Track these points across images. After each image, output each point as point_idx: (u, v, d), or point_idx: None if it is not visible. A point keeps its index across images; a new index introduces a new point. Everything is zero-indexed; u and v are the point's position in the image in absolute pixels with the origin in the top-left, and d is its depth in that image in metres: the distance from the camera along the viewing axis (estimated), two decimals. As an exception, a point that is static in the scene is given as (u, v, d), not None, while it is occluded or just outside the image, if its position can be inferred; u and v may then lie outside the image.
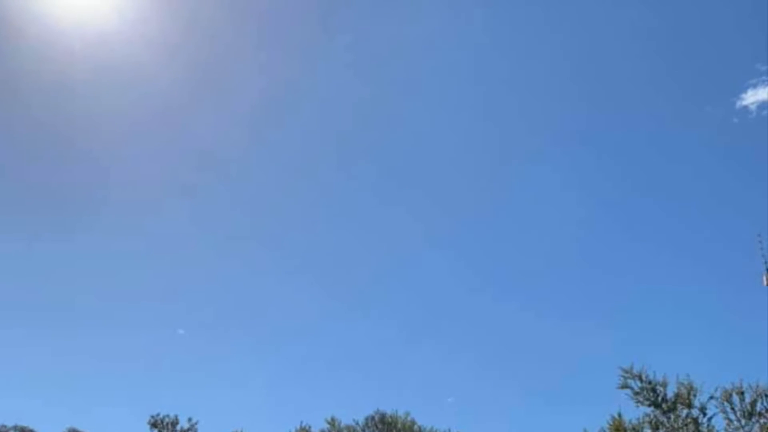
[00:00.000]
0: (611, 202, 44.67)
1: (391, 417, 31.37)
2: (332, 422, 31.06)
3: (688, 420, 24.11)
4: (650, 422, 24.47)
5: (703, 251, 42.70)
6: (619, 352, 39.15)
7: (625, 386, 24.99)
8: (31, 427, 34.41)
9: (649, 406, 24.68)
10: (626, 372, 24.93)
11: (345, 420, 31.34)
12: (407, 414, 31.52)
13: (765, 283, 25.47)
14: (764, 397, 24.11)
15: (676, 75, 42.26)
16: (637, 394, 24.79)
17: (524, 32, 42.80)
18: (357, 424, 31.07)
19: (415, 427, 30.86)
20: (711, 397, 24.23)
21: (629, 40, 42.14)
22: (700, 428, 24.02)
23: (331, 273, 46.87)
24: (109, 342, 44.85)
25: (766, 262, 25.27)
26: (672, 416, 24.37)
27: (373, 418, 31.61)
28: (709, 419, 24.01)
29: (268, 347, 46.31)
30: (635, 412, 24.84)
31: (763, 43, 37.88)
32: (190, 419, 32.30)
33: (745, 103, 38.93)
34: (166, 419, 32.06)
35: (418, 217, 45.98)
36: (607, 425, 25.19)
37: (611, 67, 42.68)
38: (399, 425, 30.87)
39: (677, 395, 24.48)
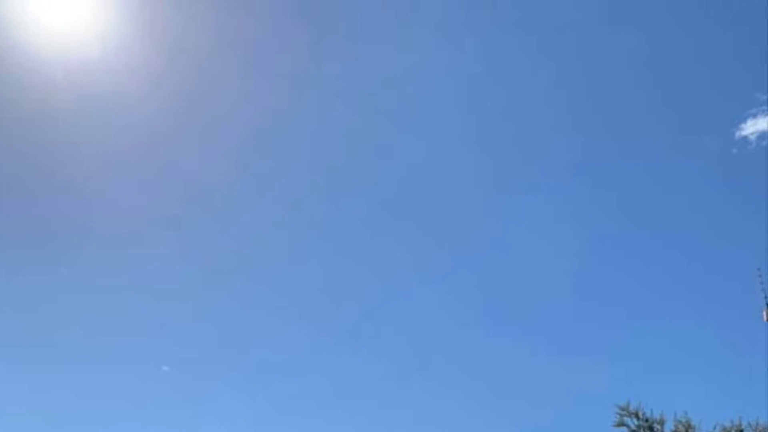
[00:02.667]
0: (607, 235, 43.95)
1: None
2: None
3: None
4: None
5: (701, 285, 41.92)
6: (615, 388, 38.23)
7: (621, 424, 24.38)
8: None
9: (646, 444, 24.13)
10: (622, 409, 24.32)
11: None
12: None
13: (765, 318, 25.08)
14: (765, 436, 23.52)
15: (673, 105, 41.71)
16: (633, 432, 24.32)
17: (517, 61, 42.28)
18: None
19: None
20: (710, 436, 23.92)
21: (625, 70, 41.64)
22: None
23: (320, 308, 45.99)
24: (91, 378, 44.00)
25: (766, 297, 25.00)
26: (670, 455, 23.84)
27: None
28: (708, 458, 23.66)
29: (255, 384, 45.36)
30: (632, 451, 24.53)
31: (762, 71, 37.36)
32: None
33: (744, 133, 38.29)
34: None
35: (409, 251, 45.15)
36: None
37: (606, 97, 42.16)
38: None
39: (675, 433, 23.98)
